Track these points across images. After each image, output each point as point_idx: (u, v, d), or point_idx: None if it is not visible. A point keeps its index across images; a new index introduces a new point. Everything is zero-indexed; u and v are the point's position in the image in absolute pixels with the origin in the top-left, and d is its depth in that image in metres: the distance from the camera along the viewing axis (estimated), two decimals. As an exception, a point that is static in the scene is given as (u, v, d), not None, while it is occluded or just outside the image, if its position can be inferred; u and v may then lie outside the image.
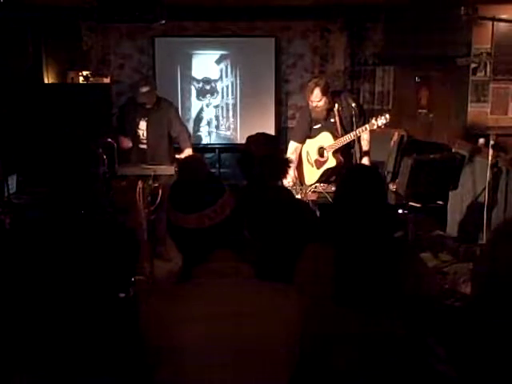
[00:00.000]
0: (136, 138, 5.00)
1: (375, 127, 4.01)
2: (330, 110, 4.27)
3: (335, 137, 4.24)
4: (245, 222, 1.49)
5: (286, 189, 2.90)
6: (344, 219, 2.04)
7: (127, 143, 4.93)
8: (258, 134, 2.62)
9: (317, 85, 4.15)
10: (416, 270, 1.99)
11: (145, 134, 4.98)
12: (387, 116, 3.99)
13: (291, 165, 4.13)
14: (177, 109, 5.42)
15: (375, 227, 2.00)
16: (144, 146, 5.00)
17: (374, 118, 4.04)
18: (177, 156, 4.98)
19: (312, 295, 1.86)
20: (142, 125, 4.98)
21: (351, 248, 1.94)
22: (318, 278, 1.91)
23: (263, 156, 2.48)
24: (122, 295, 2.24)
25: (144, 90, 4.80)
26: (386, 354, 1.84)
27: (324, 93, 4.15)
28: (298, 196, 3.97)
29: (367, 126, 4.03)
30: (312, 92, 4.15)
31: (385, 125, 4.00)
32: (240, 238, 1.46)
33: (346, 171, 2.44)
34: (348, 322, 1.86)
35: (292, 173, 4.36)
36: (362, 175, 2.15)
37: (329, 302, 1.87)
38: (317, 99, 4.17)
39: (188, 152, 4.95)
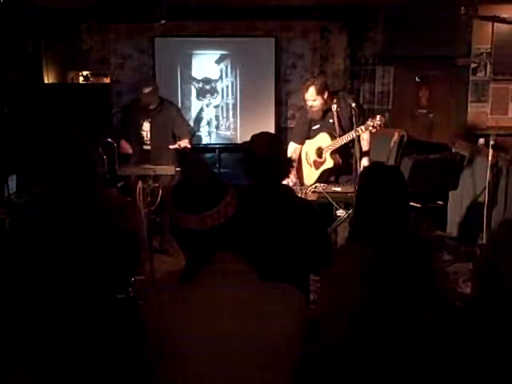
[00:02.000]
0: (140, 139, 5.00)
1: (371, 128, 3.99)
2: (327, 111, 4.26)
3: (333, 137, 4.23)
4: (248, 222, 1.49)
5: (289, 188, 2.89)
6: (378, 219, 2.04)
7: (127, 149, 4.94)
8: (262, 133, 2.60)
9: (312, 84, 4.14)
10: (442, 268, 2.01)
11: (148, 135, 4.99)
12: (382, 118, 3.96)
13: (294, 165, 4.16)
14: (179, 108, 5.43)
15: (405, 225, 2.02)
16: (148, 147, 5.01)
17: (369, 119, 4.02)
18: (171, 147, 4.94)
19: (345, 293, 1.86)
20: (146, 126, 4.99)
21: (389, 247, 1.94)
22: (354, 276, 1.90)
23: (267, 155, 2.47)
24: (121, 296, 2.24)
25: (146, 90, 4.81)
26: (403, 355, 1.83)
27: (319, 93, 4.14)
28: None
29: (363, 127, 4.01)
30: (307, 91, 4.14)
31: (380, 126, 3.97)
32: (243, 239, 1.46)
33: (369, 171, 2.42)
34: (374, 323, 1.85)
35: (292, 173, 4.36)
36: (387, 173, 2.16)
37: (361, 300, 1.86)
38: (311, 98, 4.16)
39: (184, 143, 4.92)
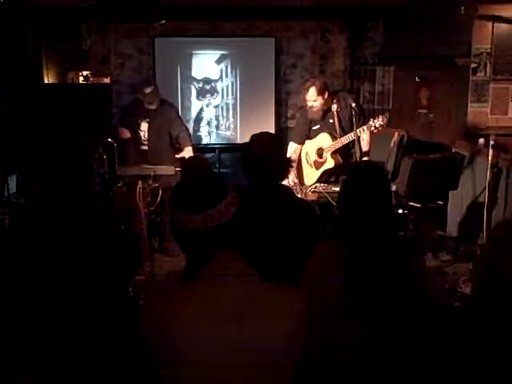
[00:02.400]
0: (137, 139, 5.01)
1: (373, 128, 3.99)
2: (327, 111, 4.26)
3: (334, 138, 4.24)
4: (248, 222, 1.48)
5: (288, 188, 2.89)
6: (354, 217, 2.04)
7: (126, 134, 4.95)
8: (262, 133, 2.60)
9: (313, 84, 4.15)
10: (424, 269, 2.01)
11: (146, 136, 4.99)
12: (384, 118, 3.97)
13: (293, 165, 4.15)
14: (177, 110, 5.43)
15: (384, 225, 2.01)
16: (145, 147, 5.01)
17: (371, 120, 4.03)
18: (177, 156, 4.99)
19: (320, 293, 1.86)
20: (144, 126, 4.99)
21: (363, 246, 1.94)
22: (327, 275, 1.90)
23: (266, 156, 2.47)
24: (121, 296, 2.23)
25: (148, 90, 4.82)
26: (388, 353, 1.83)
27: (320, 93, 4.14)
28: (298, 196, 3.97)
29: (365, 127, 4.01)
30: (307, 91, 4.15)
31: (382, 126, 3.98)
32: (244, 239, 1.46)
33: (353, 169, 2.43)
34: (354, 322, 1.86)
35: (293, 174, 4.36)
36: (370, 173, 2.15)
37: (337, 300, 1.87)
38: (312, 99, 4.16)
39: (188, 150, 4.96)
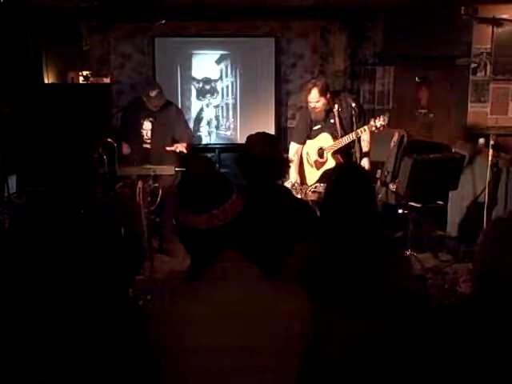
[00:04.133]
0: (139, 138, 5.00)
1: (374, 129, 4.00)
2: (329, 111, 4.27)
3: (335, 138, 4.24)
4: (247, 222, 1.48)
5: (285, 188, 2.89)
6: (331, 218, 2.05)
7: (127, 150, 4.95)
8: (258, 133, 2.61)
9: (315, 85, 4.15)
10: (398, 273, 2.01)
11: (149, 135, 4.99)
12: (386, 118, 3.98)
13: (291, 165, 4.15)
14: (180, 110, 5.44)
15: (361, 227, 2.01)
16: (148, 146, 5.01)
17: (372, 120, 4.03)
18: (167, 148, 4.93)
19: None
20: (147, 125, 4.99)
21: (337, 248, 1.95)
22: (303, 276, 1.91)
23: (263, 156, 2.47)
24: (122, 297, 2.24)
25: (153, 93, 4.82)
26: (367, 351, 1.84)
27: (322, 94, 4.15)
28: (298, 196, 3.97)
29: (366, 127, 4.02)
30: (310, 93, 4.16)
31: (383, 126, 3.99)
32: (247, 238, 1.46)
33: (332, 171, 2.45)
34: (332, 320, 1.86)
35: (295, 173, 4.36)
36: (347, 175, 2.16)
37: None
38: (314, 100, 4.17)
39: (183, 145, 4.91)
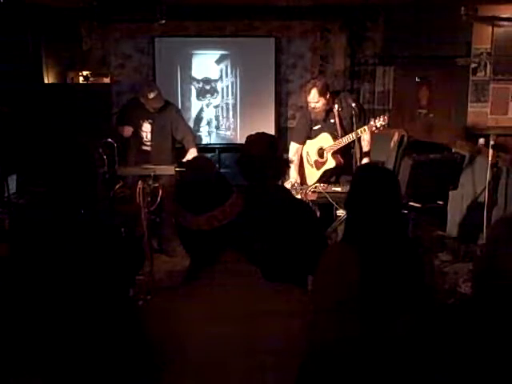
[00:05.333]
0: (139, 140, 5.00)
1: (374, 129, 4.00)
2: (329, 111, 4.27)
3: (335, 138, 4.24)
4: (247, 222, 1.48)
5: (285, 188, 2.89)
6: (365, 220, 2.04)
7: (128, 131, 4.93)
8: (257, 133, 2.61)
9: (314, 86, 4.15)
10: (434, 268, 2.03)
11: (148, 136, 4.99)
12: (385, 117, 3.98)
13: (291, 165, 4.15)
14: (180, 110, 5.43)
15: (395, 228, 2.01)
16: (147, 148, 5.01)
17: (373, 120, 4.03)
18: (183, 160, 4.98)
19: (333, 293, 1.87)
20: (146, 127, 4.99)
21: (376, 250, 1.94)
22: (342, 278, 1.90)
23: (263, 156, 2.47)
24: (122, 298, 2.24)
25: (152, 95, 4.82)
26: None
27: (321, 94, 4.14)
28: (298, 196, 3.97)
29: (366, 127, 4.02)
30: (309, 93, 4.15)
31: (384, 126, 3.99)
32: (247, 239, 1.46)
33: (361, 172, 2.43)
34: (369, 322, 1.86)
35: (295, 174, 4.36)
36: (380, 176, 2.15)
37: (352, 303, 1.87)
38: (314, 100, 4.17)
39: (193, 152, 4.96)
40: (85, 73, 6.44)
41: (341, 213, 4.00)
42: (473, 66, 6.39)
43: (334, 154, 4.25)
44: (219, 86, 6.58)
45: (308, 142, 4.45)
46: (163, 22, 5.64)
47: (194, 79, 6.54)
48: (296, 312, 1.40)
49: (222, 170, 6.42)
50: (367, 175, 2.21)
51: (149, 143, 5.00)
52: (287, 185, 4.07)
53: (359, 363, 1.83)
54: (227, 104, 6.63)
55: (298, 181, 4.29)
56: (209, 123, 6.67)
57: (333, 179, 4.36)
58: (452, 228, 5.33)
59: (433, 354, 1.41)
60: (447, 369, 1.39)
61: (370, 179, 2.15)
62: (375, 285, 1.89)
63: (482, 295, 1.43)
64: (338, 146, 4.21)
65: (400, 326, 1.77)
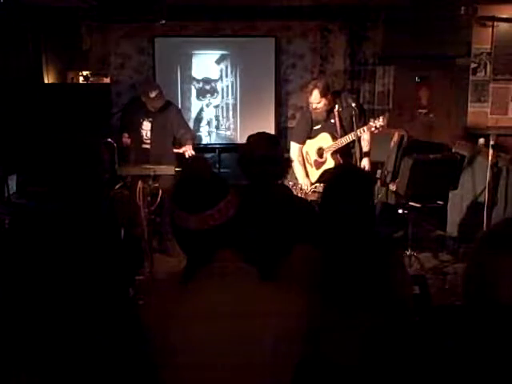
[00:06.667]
0: (139, 138, 5.01)
1: (373, 129, 4.00)
2: (330, 111, 4.27)
3: (334, 138, 4.24)
4: (248, 222, 1.49)
5: (286, 187, 2.89)
6: (329, 220, 2.06)
7: (126, 141, 4.95)
8: (258, 133, 2.62)
9: (315, 87, 4.15)
10: (399, 273, 2.02)
11: (148, 135, 4.99)
12: (384, 118, 3.98)
13: (292, 165, 4.14)
14: (180, 111, 5.44)
15: (360, 229, 2.01)
16: (147, 146, 5.01)
17: (372, 120, 4.03)
18: (175, 150, 4.99)
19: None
20: (146, 125, 4.99)
21: (338, 250, 1.95)
22: (305, 278, 1.91)
23: (264, 156, 2.47)
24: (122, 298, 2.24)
25: (153, 94, 4.82)
26: (365, 351, 1.84)
27: (323, 94, 4.14)
28: (298, 196, 3.97)
29: (365, 127, 4.02)
30: (311, 94, 4.15)
31: (383, 126, 3.99)
32: (243, 238, 1.46)
33: (332, 173, 2.46)
34: (329, 320, 1.86)
35: (303, 176, 4.33)
36: (346, 177, 2.16)
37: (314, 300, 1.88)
38: (316, 101, 4.17)
39: (188, 148, 4.95)
40: (85, 73, 6.45)
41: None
42: (473, 66, 6.39)
43: (334, 154, 4.25)
44: (219, 85, 6.58)
45: (308, 141, 4.45)
46: (163, 22, 5.63)
47: (194, 79, 6.54)
48: (293, 311, 1.40)
49: (222, 170, 6.42)
50: (335, 174, 2.23)
51: (148, 141, 5.00)
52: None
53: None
54: (227, 104, 6.63)
55: (308, 183, 4.26)
56: (209, 123, 6.66)
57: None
58: (452, 228, 5.32)
59: (426, 356, 1.41)
60: (440, 371, 1.39)
61: (337, 178, 2.17)
62: (337, 282, 1.90)
63: (473, 304, 1.43)
64: (338, 146, 4.21)
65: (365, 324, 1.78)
